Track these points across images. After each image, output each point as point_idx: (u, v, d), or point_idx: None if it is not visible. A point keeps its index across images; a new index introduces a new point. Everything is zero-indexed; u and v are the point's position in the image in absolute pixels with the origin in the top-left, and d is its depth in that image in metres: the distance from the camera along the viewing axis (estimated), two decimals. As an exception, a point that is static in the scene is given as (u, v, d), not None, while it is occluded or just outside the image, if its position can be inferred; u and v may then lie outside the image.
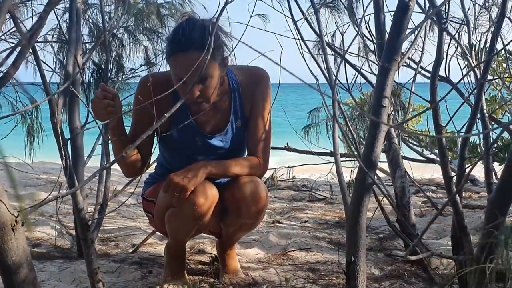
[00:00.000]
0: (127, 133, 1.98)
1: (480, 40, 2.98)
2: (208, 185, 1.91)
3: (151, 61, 3.33)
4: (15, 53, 1.05)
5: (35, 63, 1.38)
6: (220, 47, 1.90)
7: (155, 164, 2.27)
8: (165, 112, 1.25)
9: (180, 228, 2.00)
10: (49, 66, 2.80)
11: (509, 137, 3.84)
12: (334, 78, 1.43)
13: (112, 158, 1.92)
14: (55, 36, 2.95)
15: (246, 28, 1.64)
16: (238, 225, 2.08)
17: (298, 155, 4.85)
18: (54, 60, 2.94)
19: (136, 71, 3.26)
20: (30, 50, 1.28)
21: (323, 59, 1.54)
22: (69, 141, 1.53)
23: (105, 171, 2.46)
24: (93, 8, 3.09)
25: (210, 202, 1.90)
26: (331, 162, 3.78)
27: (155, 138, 2.04)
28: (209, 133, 2.04)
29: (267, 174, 4.90)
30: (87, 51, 2.59)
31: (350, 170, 4.00)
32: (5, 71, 1.01)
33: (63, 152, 1.41)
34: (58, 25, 2.77)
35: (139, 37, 3.20)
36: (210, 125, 2.04)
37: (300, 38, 1.51)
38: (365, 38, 2.64)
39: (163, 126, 1.93)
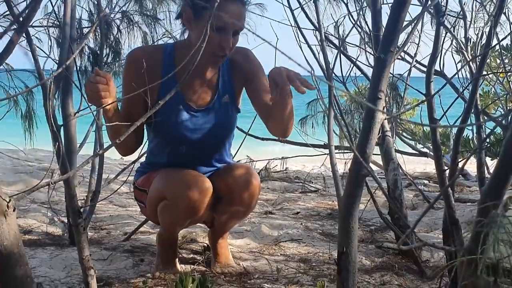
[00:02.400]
0: (121, 106, 1.99)
1: (478, 34, 2.98)
2: (202, 179, 1.91)
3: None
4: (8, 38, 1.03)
5: (28, 48, 1.36)
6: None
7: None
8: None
9: (173, 221, 2.00)
10: (44, 51, 2.78)
11: (501, 132, 3.86)
12: (330, 68, 1.43)
13: (105, 145, 1.90)
14: (50, 21, 2.92)
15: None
16: (231, 213, 2.08)
17: (292, 147, 4.85)
18: (49, 45, 2.92)
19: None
20: (24, 34, 1.26)
21: (320, 50, 1.53)
22: (62, 127, 1.52)
23: (98, 158, 2.45)
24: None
25: (204, 196, 1.89)
26: (325, 154, 3.79)
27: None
28: (196, 106, 2.02)
29: (261, 165, 4.90)
30: (83, 36, 2.57)
31: (344, 162, 4.01)
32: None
33: (56, 138, 1.40)
34: (53, 10, 2.74)
35: (138, 21, 3.17)
36: (197, 99, 2.02)
37: (296, 26, 1.50)
38: (362, 29, 2.63)
39: (151, 100, 1.92)
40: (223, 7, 1.78)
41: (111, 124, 1.79)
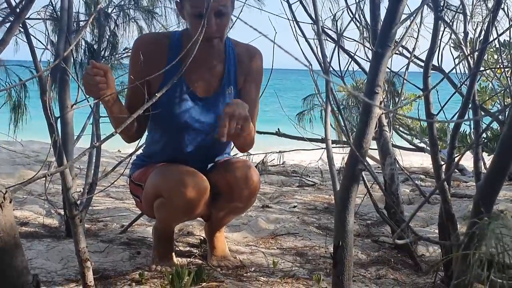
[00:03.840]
0: (126, 96, 2.03)
1: (476, 29, 2.98)
2: (199, 178, 1.90)
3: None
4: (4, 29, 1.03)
5: (25, 40, 1.36)
6: None
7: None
8: (160, 71, 1.27)
9: (169, 218, 2.00)
10: (42, 43, 2.76)
11: (498, 128, 3.87)
12: (328, 62, 1.43)
13: (102, 137, 1.90)
14: (47, 13, 2.90)
15: (243, 7, 1.64)
16: (229, 209, 2.08)
17: (289, 141, 4.86)
18: (46, 37, 2.90)
19: (130, 50, 3.22)
20: (20, 26, 1.26)
21: (317, 44, 1.53)
22: (59, 119, 1.52)
23: (95, 150, 2.45)
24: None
25: (201, 195, 1.89)
26: (322, 148, 3.79)
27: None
28: (200, 95, 2.03)
29: (258, 159, 4.91)
30: (80, 28, 2.56)
31: (341, 157, 4.02)
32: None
33: (53, 130, 1.40)
34: (50, 2, 2.72)
35: (135, 15, 3.16)
36: (202, 88, 2.03)
37: (294, 19, 1.50)
38: (360, 23, 2.63)
39: (156, 86, 1.93)
40: None
41: (114, 115, 1.80)
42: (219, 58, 2.03)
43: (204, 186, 1.90)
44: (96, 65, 1.70)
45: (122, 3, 3.08)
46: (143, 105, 1.75)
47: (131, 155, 1.53)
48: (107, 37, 2.99)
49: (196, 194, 1.87)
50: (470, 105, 1.88)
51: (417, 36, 2.61)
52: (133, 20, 3.13)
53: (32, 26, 2.81)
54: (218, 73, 2.04)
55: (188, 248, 2.39)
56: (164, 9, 3.31)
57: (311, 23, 1.57)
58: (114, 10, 3.06)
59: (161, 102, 1.96)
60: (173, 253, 2.17)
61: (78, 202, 1.51)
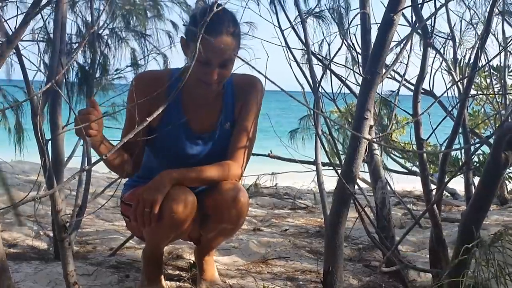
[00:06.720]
0: (123, 128, 2.02)
1: (465, 55, 3.02)
2: (186, 192, 1.89)
3: (138, 62, 3.30)
4: None
5: (18, 62, 1.36)
6: (240, 38, 1.97)
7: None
8: (159, 109, 1.27)
9: (157, 235, 1.98)
10: (34, 65, 2.76)
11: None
12: (318, 88, 1.44)
13: (92, 159, 1.90)
14: (40, 35, 2.92)
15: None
16: (218, 231, 2.07)
17: (282, 163, 4.86)
18: (38, 59, 2.91)
19: (122, 72, 3.24)
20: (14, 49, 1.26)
21: (309, 69, 1.55)
22: (50, 141, 1.51)
23: (85, 173, 2.44)
24: (81, 3, 3.05)
25: (188, 209, 1.88)
26: (314, 171, 3.79)
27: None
28: (198, 132, 2.04)
29: (250, 181, 4.90)
30: (73, 50, 2.57)
31: (333, 179, 4.02)
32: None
33: (43, 153, 1.39)
34: (44, 25, 2.74)
35: (127, 37, 3.18)
36: (199, 125, 2.05)
37: (286, 46, 1.51)
38: (351, 49, 2.66)
39: (154, 123, 1.93)
40: (207, 40, 1.74)
41: (104, 155, 1.80)
42: (217, 94, 2.05)
43: (191, 199, 1.89)
44: (95, 105, 1.73)
45: (113, 25, 3.11)
46: (140, 142, 1.75)
47: (120, 177, 1.52)
48: (98, 58, 3.00)
49: (183, 208, 1.86)
50: (460, 130, 1.90)
51: (407, 61, 2.64)
52: (124, 41, 3.14)
53: (25, 48, 2.82)
54: (215, 110, 2.06)
55: (177, 272, 2.37)
56: (156, 30, 3.35)
57: (302, 50, 1.59)
58: (106, 32, 3.09)
59: (160, 139, 1.98)
60: (162, 277, 2.14)
61: (67, 225, 1.49)
